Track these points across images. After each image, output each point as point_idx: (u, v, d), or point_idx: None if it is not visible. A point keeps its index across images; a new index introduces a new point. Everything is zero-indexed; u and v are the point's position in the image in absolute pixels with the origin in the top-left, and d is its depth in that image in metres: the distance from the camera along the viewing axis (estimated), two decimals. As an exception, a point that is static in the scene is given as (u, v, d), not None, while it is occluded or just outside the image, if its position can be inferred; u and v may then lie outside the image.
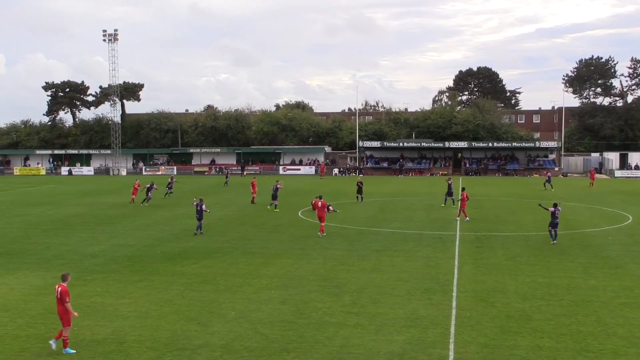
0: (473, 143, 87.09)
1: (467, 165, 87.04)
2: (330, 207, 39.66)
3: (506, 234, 30.65)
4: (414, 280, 20.82)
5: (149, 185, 46.19)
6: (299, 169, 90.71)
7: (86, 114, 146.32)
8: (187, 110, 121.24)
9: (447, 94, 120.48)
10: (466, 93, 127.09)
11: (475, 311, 17.33)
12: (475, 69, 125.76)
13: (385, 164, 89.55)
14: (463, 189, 37.43)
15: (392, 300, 18.41)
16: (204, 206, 31.50)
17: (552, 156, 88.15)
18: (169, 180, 52.77)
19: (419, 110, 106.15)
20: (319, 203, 30.68)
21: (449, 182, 44.31)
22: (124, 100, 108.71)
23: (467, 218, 35.20)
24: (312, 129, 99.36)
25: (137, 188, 47.55)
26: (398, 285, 20.25)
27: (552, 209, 27.75)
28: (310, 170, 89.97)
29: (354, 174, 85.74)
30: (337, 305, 17.90)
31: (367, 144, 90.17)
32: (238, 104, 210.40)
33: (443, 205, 42.87)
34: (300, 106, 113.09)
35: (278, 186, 42.36)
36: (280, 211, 40.58)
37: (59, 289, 14.43)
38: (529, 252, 25.84)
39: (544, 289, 19.71)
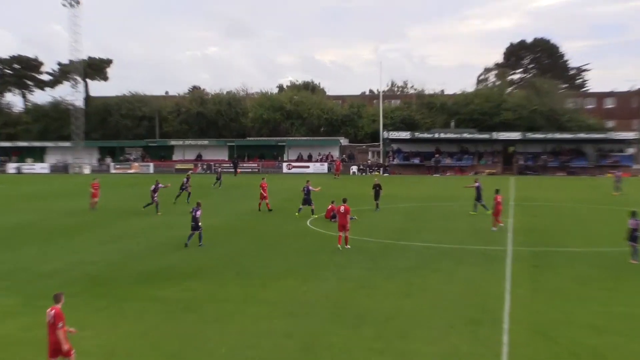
0: (528, 134, 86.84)
1: (521, 162, 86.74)
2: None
3: (572, 249, 30.50)
4: (454, 309, 20.64)
5: (153, 187, 45.29)
6: (308, 167, 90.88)
7: (40, 97, 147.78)
8: (166, 92, 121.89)
9: (495, 72, 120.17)
10: (519, 71, 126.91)
11: (532, 348, 17.15)
12: (530, 40, 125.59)
13: (416, 160, 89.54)
14: (497, 191, 37.85)
15: (425, 334, 18.28)
16: (199, 212, 31.80)
17: (630, 150, 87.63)
18: (185, 177, 54.37)
19: (459, 92, 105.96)
20: (342, 208, 30.87)
21: (477, 184, 44.07)
22: (88, 80, 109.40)
23: (496, 227, 35.96)
24: (324, 116, 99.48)
25: (97, 190, 47.32)
26: (433, 314, 20.10)
27: (632, 220, 27.46)
28: (322, 168, 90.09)
29: (376, 173, 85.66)
30: (355, 340, 17.78)
31: (394, 134, 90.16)
32: (231, 84, 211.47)
33: (472, 212, 43.03)
34: (309, 87, 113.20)
35: (310, 187, 43.12)
36: (284, 220, 40.59)
37: (52, 312, 14.66)
38: (602, 273, 25.62)
39: (622, 321, 19.48)
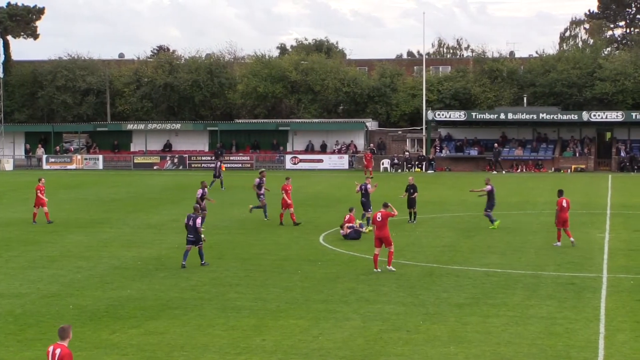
0: (635, 114, 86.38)
1: (623, 154, 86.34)
2: (359, 224, 40.67)
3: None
4: (526, 359, 20.76)
5: (201, 191, 43.63)
6: (320, 160, 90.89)
7: None
8: (121, 55, 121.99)
9: (587, 27, 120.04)
10: (621, 25, 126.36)
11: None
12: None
13: (473, 152, 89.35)
14: (561, 193, 38.05)
15: (485, 395, 18.38)
16: (199, 221, 32.57)
17: None
18: (217, 170, 55.65)
19: (535, 55, 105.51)
20: (379, 215, 31.37)
21: (489, 187, 43.84)
22: (9, 38, 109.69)
23: (559, 243, 36.76)
24: (344, 89, 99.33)
25: (42, 193, 47.10)
26: (497, 367, 20.18)
27: None
28: (341, 162, 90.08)
29: (417, 169, 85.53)
30: (386, 403, 17.89)
31: (442, 115, 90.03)
32: (212, 45, 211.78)
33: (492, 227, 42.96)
34: (323, 49, 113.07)
35: (369, 186, 43.95)
36: (288, 234, 40.75)
37: (57, 351, 15.20)
38: None
39: None
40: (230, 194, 60.24)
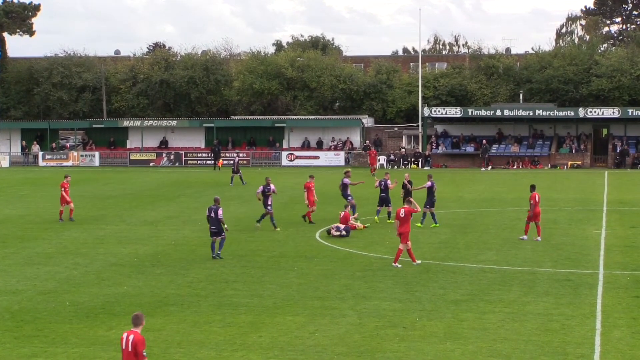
0: (631, 111, 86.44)
1: (619, 150, 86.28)
2: (352, 221, 40.55)
3: (689, 273, 30.46)
4: (521, 356, 20.74)
5: (265, 188, 41.56)
6: (317, 157, 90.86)
7: None
8: (117, 52, 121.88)
9: (583, 22, 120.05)
10: (618, 21, 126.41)
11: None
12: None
13: (470, 148, 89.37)
14: (533, 188, 38.48)
15: (482, 392, 18.38)
16: (220, 212, 33.33)
17: None
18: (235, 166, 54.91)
19: (531, 51, 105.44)
20: (402, 211, 31.82)
21: (430, 184, 44.06)
22: (5, 35, 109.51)
23: (525, 237, 37.57)
24: (341, 85, 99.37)
25: (67, 191, 46.05)
26: (493, 364, 20.19)
27: None
28: (337, 158, 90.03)
29: (414, 166, 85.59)
30: (383, 400, 17.89)
31: (438, 112, 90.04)
32: (208, 41, 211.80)
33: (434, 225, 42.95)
34: (319, 45, 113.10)
35: (388, 181, 44.02)
36: (284, 230, 40.81)
37: (130, 337, 15.93)
38: None
39: None
40: (223, 191, 60.07)
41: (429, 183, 43.31)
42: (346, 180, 45.24)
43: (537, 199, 37.58)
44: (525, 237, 37.63)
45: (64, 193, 45.46)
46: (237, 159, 69.08)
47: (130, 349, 15.77)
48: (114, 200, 55.23)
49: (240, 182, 65.49)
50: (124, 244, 37.51)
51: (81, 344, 22.05)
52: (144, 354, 15.83)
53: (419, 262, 31.90)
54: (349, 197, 44.39)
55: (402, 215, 31.74)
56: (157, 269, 31.86)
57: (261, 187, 41.66)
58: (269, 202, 41.12)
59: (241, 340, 22.17)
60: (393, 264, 31.64)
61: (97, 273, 31.16)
